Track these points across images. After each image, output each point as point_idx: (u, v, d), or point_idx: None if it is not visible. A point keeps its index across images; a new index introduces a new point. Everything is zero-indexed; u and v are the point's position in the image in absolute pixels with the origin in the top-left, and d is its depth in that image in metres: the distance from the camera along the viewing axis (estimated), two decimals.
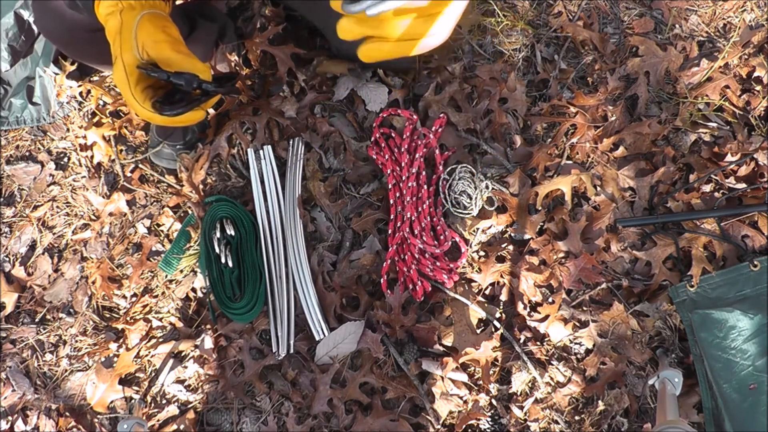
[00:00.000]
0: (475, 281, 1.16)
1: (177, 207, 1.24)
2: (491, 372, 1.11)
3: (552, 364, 1.11)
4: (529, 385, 1.11)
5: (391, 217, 1.17)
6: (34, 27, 1.33)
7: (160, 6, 0.73)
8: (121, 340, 1.18)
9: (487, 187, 1.20)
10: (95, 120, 1.31)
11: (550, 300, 1.13)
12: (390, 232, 1.16)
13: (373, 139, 1.22)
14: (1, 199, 1.31)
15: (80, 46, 0.97)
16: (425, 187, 1.18)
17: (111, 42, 0.69)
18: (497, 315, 1.14)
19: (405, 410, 1.10)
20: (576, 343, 1.12)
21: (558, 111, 1.24)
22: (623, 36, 1.31)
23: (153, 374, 1.15)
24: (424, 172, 1.19)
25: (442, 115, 1.22)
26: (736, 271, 1.10)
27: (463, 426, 1.08)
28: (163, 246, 1.23)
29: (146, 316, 1.18)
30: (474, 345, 1.10)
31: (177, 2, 0.82)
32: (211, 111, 1.23)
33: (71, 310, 1.22)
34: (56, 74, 1.32)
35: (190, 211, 1.22)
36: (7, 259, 1.27)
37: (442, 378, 1.10)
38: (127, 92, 0.68)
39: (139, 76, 0.68)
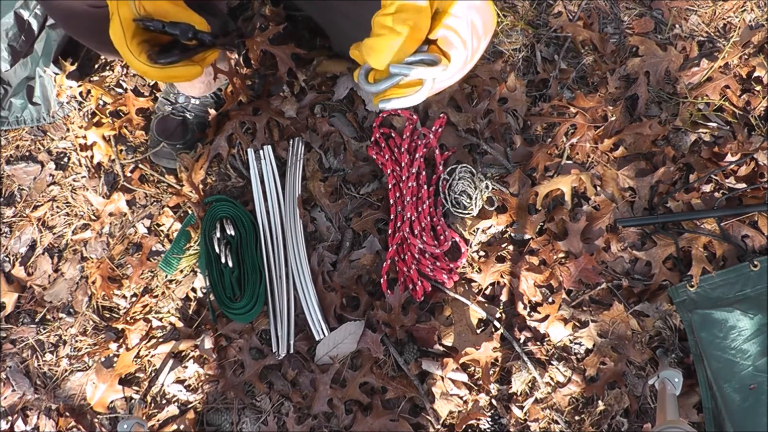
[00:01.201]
0: (475, 281, 1.16)
1: (177, 207, 1.24)
2: (491, 372, 1.11)
3: (552, 364, 1.11)
4: (529, 385, 1.11)
5: (391, 217, 1.17)
6: (35, 27, 1.33)
7: None
8: (121, 340, 1.18)
9: (487, 187, 1.20)
10: (95, 120, 1.31)
11: (550, 300, 1.13)
12: (390, 232, 1.16)
13: (373, 139, 1.22)
14: (1, 199, 1.31)
15: (85, 24, 0.97)
16: (425, 187, 1.18)
17: (108, 1, 0.70)
18: (497, 315, 1.14)
19: (405, 410, 1.09)
20: (576, 343, 1.12)
21: (558, 111, 1.24)
22: (623, 36, 1.31)
23: (153, 374, 1.15)
24: (424, 172, 1.19)
25: (442, 115, 1.22)
26: (736, 271, 1.10)
27: (463, 426, 1.08)
28: (163, 246, 1.23)
29: (146, 316, 1.18)
30: (474, 345, 1.10)
31: None
32: (212, 111, 1.23)
33: (71, 310, 1.22)
34: (56, 74, 1.32)
35: (190, 211, 1.22)
36: (7, 259, 1.27)
37: (442, 378, 1.10)
38: (123, 45, 0.69)
39: (135, 30, 0.69)
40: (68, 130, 1.34)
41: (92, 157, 1.29)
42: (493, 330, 1.12)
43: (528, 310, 1.14)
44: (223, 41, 0.75)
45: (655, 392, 1.06)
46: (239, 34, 1.26)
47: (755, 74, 1.24)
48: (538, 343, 1.12)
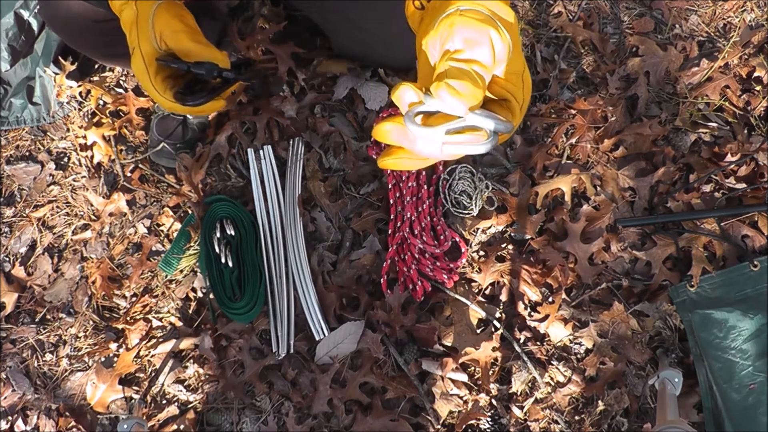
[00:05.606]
0: (475, 281, 1.16)
1: (177, 207, 1.24)
2: (491, 372, 1.11)
3: (552, 364, 1.11)
4: (529, 385, 1.11)
5: (391, 217, 1.17)
6: (35, 27, 1.33)
7: None
8: (121, 340, 1.18)
9: (487, 187, 1.20)
10: (95, 120, 1.31)
11: (550, 300, 1.13)
12: (390, 232, 1.16)
13: (373, 139, 1.22)
14: (1, 199, 1.31)
15: (87, 37, 0.96)
16: (425, 187, 1.18)
17: (127, 32, 0.69)
18: (497, 315, 1.14)
19: (405, 410, 1.09)
20: (576, 343, 1.12)
21: (557, 113, 1.24)
22: (623, 36, 1.31)
23: (153, 374, 1.15)
24: (424, 172, 1.19)
25: None
26: (736, 271, 1.10)
27: (463, 426, 1.08)
28: (163, 246, 1.23)
29: (146, 316, 1.18)
30: (474, 345, 1.10)
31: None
32: None
33: (71, 310, 1.22)
34: (56, 74, 1.32)
35: (190, 211, 1.22)
36: (7, 259, 1.27)
37: (442, 378, 1.10)
38: (148, 83, 0.68)
39: (158, 67, 0.69)
40: (68, 130, 1.34)
41: (92, 157, 1.29)
42: (493, 330, 1.12)
43: (528, 309, 1.14)
44: (246, 76, 0.75)
45: (655, 392, 1.05)
46: (239, 34, 1.26)
47: (755, 74, 1.24)
48: (538, 343, 1.12)
